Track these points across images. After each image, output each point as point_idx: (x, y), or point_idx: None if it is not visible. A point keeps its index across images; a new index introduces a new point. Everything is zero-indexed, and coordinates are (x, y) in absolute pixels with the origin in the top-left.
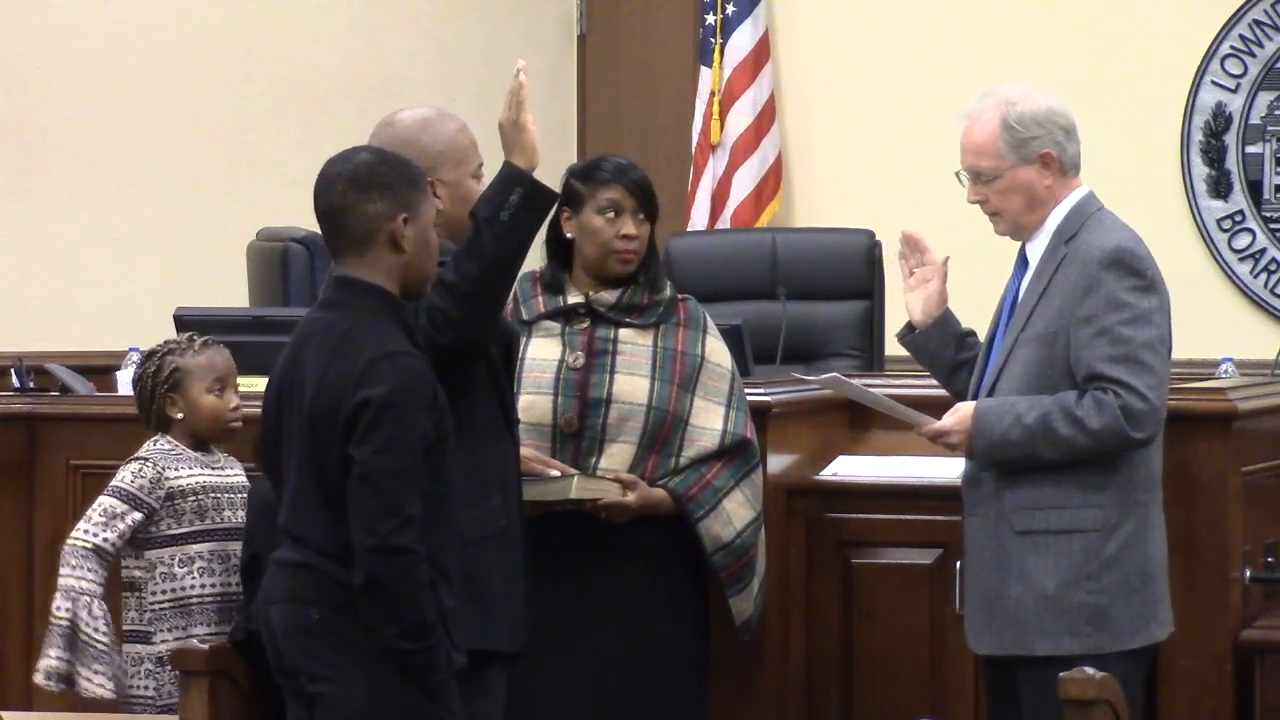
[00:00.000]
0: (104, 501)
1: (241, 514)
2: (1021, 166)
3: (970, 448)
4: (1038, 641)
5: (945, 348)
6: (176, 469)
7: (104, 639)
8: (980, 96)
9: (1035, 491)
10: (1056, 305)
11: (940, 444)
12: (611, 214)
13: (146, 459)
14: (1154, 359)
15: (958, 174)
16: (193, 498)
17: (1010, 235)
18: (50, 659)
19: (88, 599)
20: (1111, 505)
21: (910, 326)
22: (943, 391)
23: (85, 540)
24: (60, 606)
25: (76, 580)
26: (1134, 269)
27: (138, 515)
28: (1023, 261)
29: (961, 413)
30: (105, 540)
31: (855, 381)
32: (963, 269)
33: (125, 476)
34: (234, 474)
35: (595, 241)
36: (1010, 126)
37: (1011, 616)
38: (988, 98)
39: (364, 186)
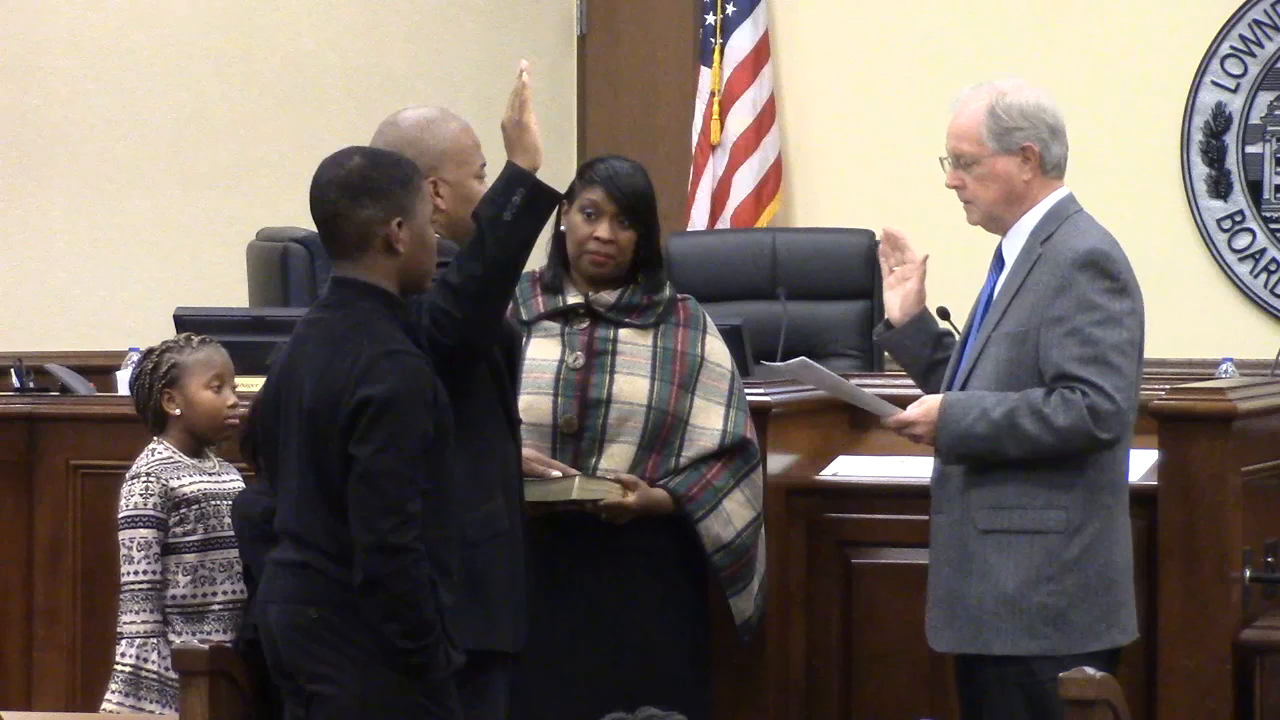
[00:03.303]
0: (136, 535)
1: None
2: (1001, 155)
3: (935, 440)
4: (995, 641)
5: (922, 346)
6: (179, 477)
7: (172, 675)
8: (975, 85)
9: (1000, 491)
10: (1029, 304)
11: (905, 435)
12: (590, 214)
13: (149, 475)
14: (1123, 361)
15: (942, 159)
16: (195, 505)
17: (982, 225)
18: (110, 703)
19: (153, 640)
20: (1075, 507)
21: (888, 324)
22: None
23: (139, 582)
24: (125, 654)
25: (141, 625)
26: (1107, 271)
27: (162, 533)
28: (998, 260)
29: (928, 405)
30: (155, 572)
31: (823, 369)
32: (963, 270)
33: (135, 500)
34: (231, 480)
35: (572, 239)
36: (996, 114)
37: (971, 615)
38: (981, 86)
39: (356, 193)
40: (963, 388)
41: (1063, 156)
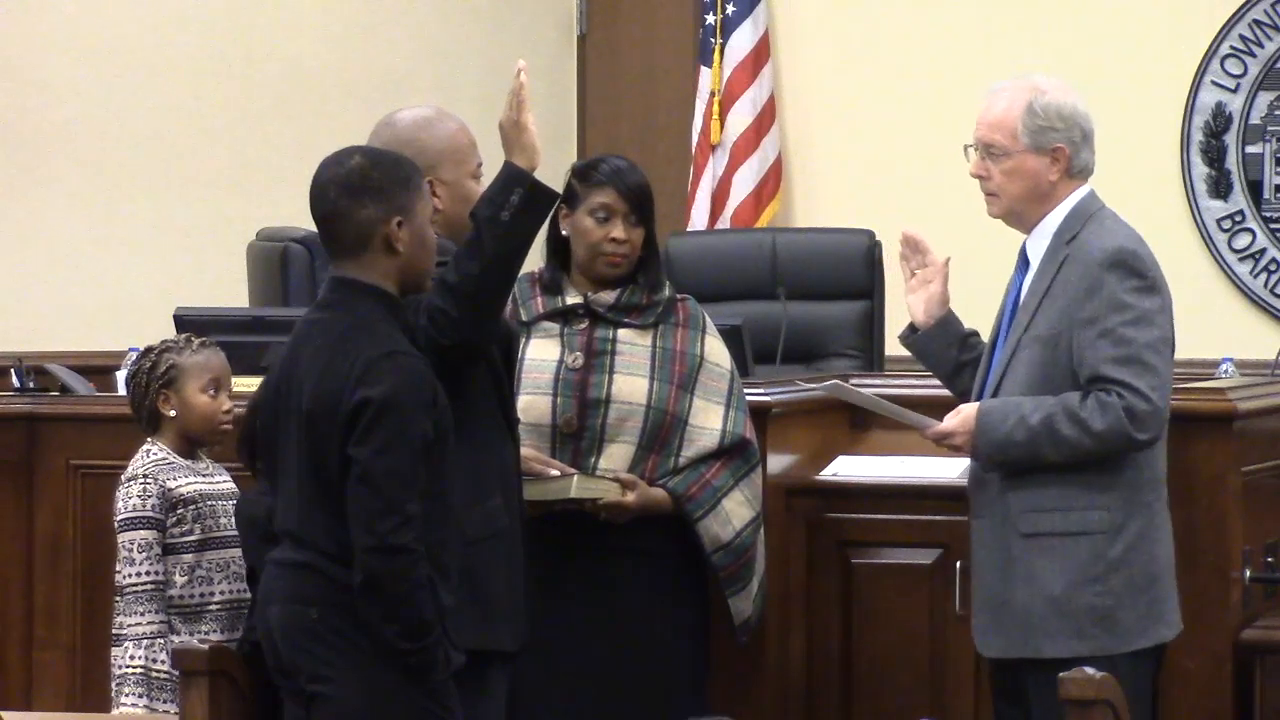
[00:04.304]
0: (136, 537)
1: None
2: (1032, 153)
3: (974, 449)
4: (1045, 644)
5: (948, 348)
6: (175, 478)
7: (177, 674)
8: (1013, 77)
9: (1041, 494)
10: (1059, 307)
11: (944, 445)
12: (602, 216)
13: (146, 476)
14: (1157, 360)
15: (966, 148)
16: (192, 506)
17: (1002, 219)
18: (127, 706)
19: (161, 640)
20: (1117, 507)
21: (912, 328)
22: (943, 392)
23: (142, 583)
24: (134, 655)
25: (147, 626)
26: (1135, 270)
27: (161, 534)
28: (1023, 261)
29: (965, 414)
30: (158, 573)
31: (857, 389)
32: (963, 269)
33: (133, 502)
34: (223, 481)
35: (585, 243)
36: (1034, 111)
37: (1018, 619)
38: (1020, 79)
39: (356, 192)
40: (995, 393)
41: (1090, 161)
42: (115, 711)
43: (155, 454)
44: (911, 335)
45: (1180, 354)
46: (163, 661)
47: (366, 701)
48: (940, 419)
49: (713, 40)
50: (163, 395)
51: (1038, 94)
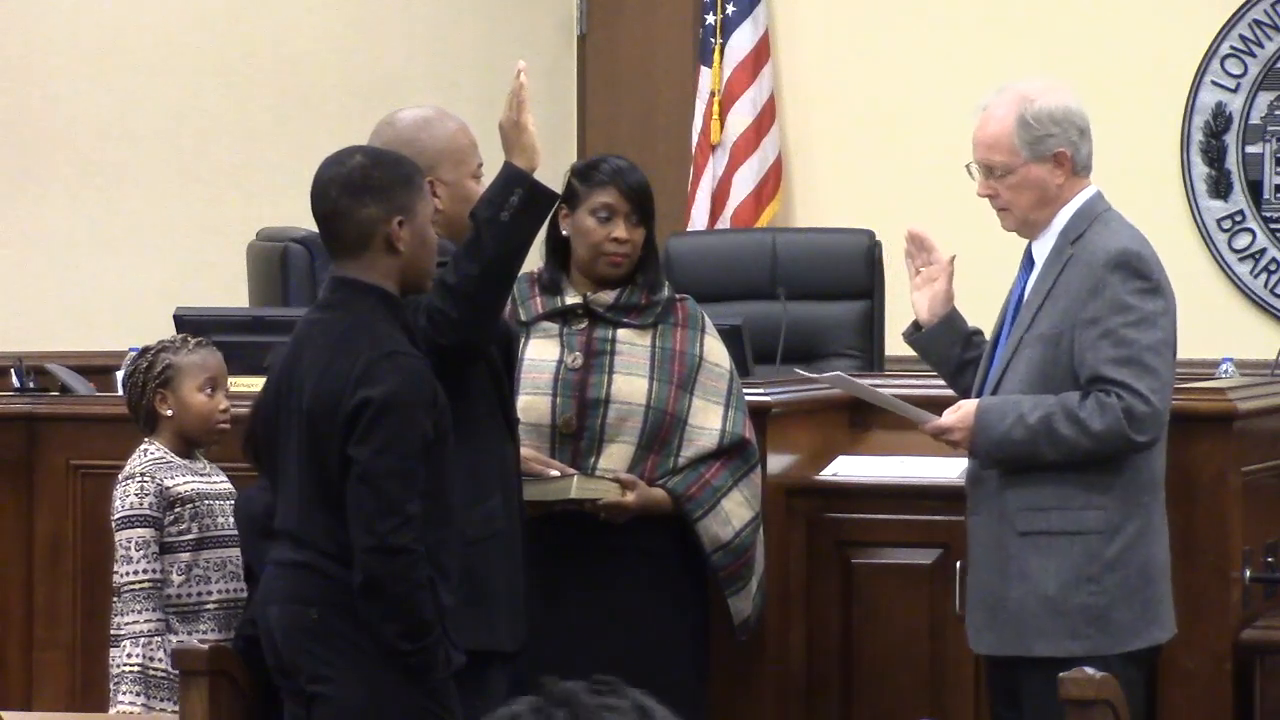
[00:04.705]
0: (133, 535)
1: (232, 520)
2: (1035, 164)
3: (972, 445)
4: (1038, 643)
5: (952, 346)
6: (172, 477)
7: (174, 673)
8: (998, 90)
9: (1038, 492)
10: (1062, 306)
11: (942, 441)
12: (604, 215)
13: (143, 475)
14: (1158, 362)
15: (968, 167)
16: (189, 505)
17: (1018, 232)
18: (125, 704)
19: (159, 639)
20: (1114, 507)
21: (916, 325)
22: (944, 391)
23: (140, 581)
24: (132, 654)
25: (145, 624)
26: (1139, 271)
27: (158, 532)
28: (1028, 261)
29: (964, 410)
30: (156, 571)
31: (859, 380)
32: (964, 268)
33: (130, 500)
34: (221, 481)
35: (586, 243)
36: (1026, 123)
37: (1012, 617)
38: (1005, 92)
39: (357, 191)
40: (995, 391)
41: (1090, 154)
42: (113, 710)
43: (153, 453)
44: (915, 333)
45: (1180, 354)
46: (161, 660)
47: (366, 701)
48: (940, 415)
49: (713, 40)
50: (159, 395)
51: (1026, 103)
